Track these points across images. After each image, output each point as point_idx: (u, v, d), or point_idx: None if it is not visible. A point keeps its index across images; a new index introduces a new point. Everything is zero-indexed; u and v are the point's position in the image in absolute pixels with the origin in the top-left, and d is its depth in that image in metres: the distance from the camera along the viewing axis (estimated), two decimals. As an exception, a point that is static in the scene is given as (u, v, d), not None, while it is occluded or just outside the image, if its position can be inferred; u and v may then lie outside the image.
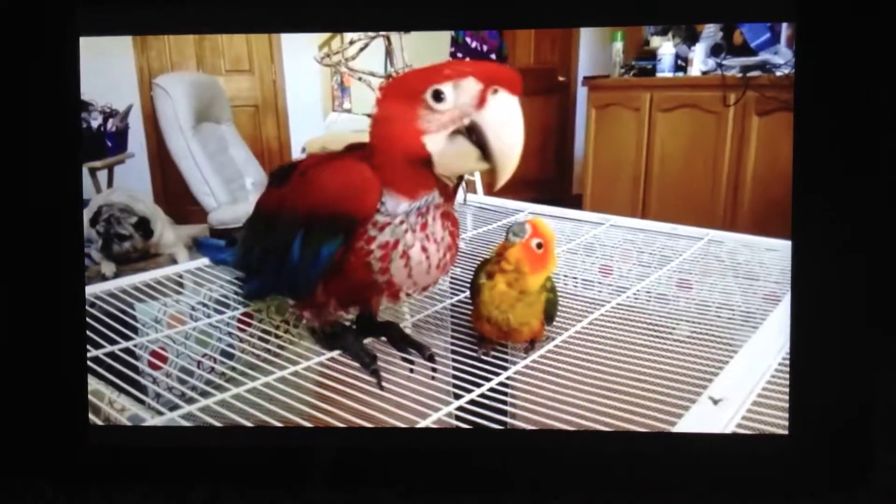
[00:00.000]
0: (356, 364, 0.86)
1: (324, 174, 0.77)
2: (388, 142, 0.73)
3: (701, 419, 0.78)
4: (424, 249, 0.77)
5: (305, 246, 0.78)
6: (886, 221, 0.91)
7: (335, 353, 0.88)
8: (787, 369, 0.84)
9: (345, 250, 0.76)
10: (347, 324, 0.93)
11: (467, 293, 0.97)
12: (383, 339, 0.91)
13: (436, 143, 0.71)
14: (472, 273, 0.91)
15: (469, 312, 0.93)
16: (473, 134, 0.70)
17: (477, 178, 1.24)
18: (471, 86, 0.69)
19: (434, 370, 0.86)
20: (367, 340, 0.91)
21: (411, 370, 0.86)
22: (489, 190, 1.23)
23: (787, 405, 0.82)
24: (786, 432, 0.81)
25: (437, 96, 0.70)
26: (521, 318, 0.83)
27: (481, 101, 0.69)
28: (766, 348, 0.89)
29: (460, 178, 0.78)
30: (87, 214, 1.06)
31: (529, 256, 0.81)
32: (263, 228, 0.85)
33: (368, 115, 0.84)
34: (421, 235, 0.77)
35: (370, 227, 0.75)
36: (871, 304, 0.89)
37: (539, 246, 0.81)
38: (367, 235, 0.76)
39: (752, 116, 1.21)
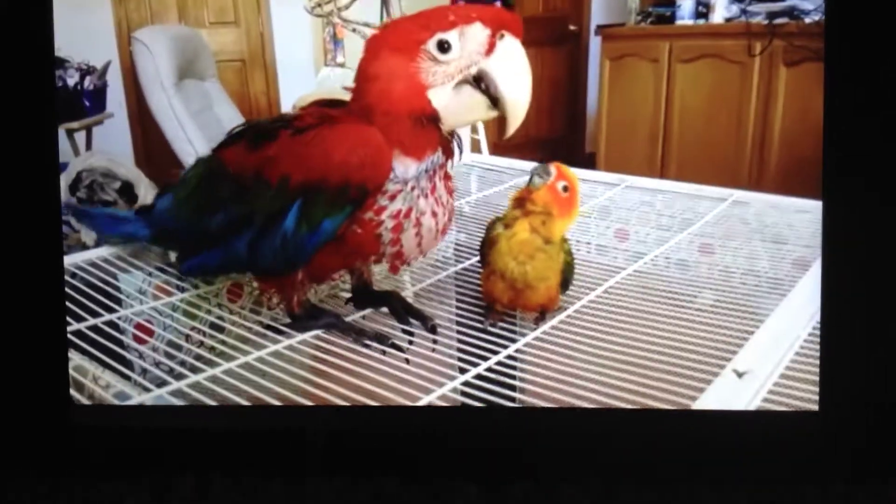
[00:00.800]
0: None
1: (330, 139, 0.70)
2: (390, 101, 0.69)
3: (724, 394, 0.74)
4: (434, 214, 0.74)
5: (303, 218, 0.71)
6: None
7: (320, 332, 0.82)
8: (818, 340, 0.79)
9: (349, 223, 0.71)
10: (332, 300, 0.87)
11: (472, 260, 0.91)
12: (384, 309, 0.86)
13: (441, 96, 0.69)
14: (477, 238, 0.85)
15: (476, 281, 0.88)
16: (482, 82, 0.68)
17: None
18: (478, 32, 0.67)
19: (435, 342, 0.81)
20: (366, 312, 0.86)
21: (410, 342, 0.81)
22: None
23: (816, 378, 0.77)
24: (815, 408, 0.77)
25: (443, 46, 0.67)
26: (540, 271, 0.79)
27: (490, 48, 0.67)
28: (795, 317, 0.84)
29: (453, 131, 0.75)
30: (65, 180, 1.00)
31: (556, 199, 0.79)
32: (233, 193, 0.75)
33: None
34: (431, 200, 0.74)
35: (380, 197, 0.71)
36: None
37: (565, 189, 0.79)
38: (377, 205, 0.71)
39: (779, 67, 1.14)
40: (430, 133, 0.70)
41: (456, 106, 0.69)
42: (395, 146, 0.70)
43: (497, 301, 0.83)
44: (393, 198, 0.72)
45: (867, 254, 0.85)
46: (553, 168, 0.79)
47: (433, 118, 0.69)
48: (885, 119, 0.86)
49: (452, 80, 0.68)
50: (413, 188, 0.72)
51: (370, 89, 0.70)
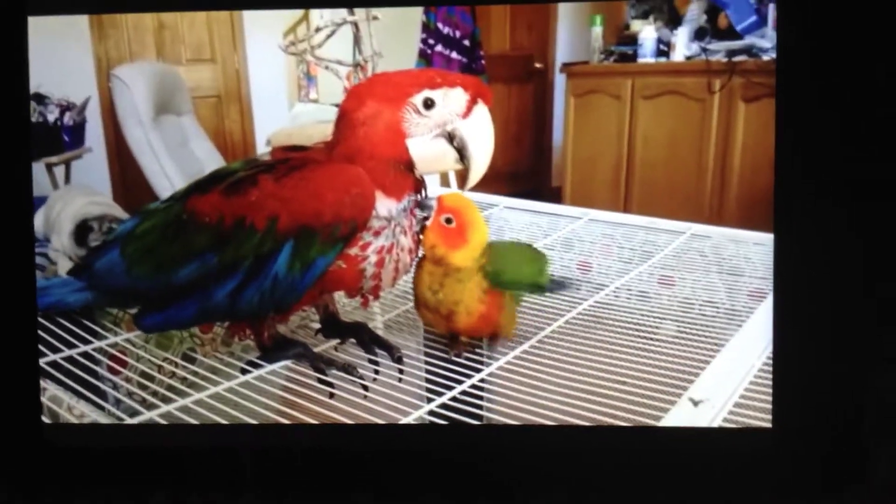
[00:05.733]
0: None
1: (319, 179, 0.74)
2: (373, 144, 0.74)
3: (681, 422, 0.76)
4: (411, 251, 0.80)
5: (295, 258, 0.74)
6: (876, 212, 0.89)
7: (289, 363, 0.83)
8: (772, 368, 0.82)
9: (336, 259, 0.75)
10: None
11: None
12: (352, 340, 0.88)
13: (418, 146, 0.75)
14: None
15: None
16: (455, 139, 0.75)
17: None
18: (459, 95, 0.74)
19: (401, 372, 0.83)
20: (334, 342, 0.88)
21: (377, 372, 0.83)
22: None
23: (770, 406, 0.80)
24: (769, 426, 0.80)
25: (427, 103, 0.74)
26: (450, 295, 0.80)
27: (468, 111, 0.75)
28: (750, 347, 0.86)
29: None
30: (66, 230, 0.97)
31: (442, 234, 0.79)
32: (209, 243, 0.75)
33: (336, 105, 0.82)
34: (409, 237, 0.79)
35: (365, 233, 0.75)
36: (857, 298, 0.88)
37: (448, 221, 0.79)
38: (362, 241, 0.75)
39: (738, 103, 1.18)
40: (407, 176, 0.76)
41: (429, 156, 0.76)
42: (378, 188, 0.75)
43: (437, 329, 0.85)
44: (377, 234, 0.76)
45: (817, 282, 0.88)
46: (434, 201, 0.79)
47: (409, 165, 0.76)
48: (836, 153, 0.90)
49: (430, 133, 0.75)
50: (396, 225, 0.77)
51: (356, 133, 0.74)
